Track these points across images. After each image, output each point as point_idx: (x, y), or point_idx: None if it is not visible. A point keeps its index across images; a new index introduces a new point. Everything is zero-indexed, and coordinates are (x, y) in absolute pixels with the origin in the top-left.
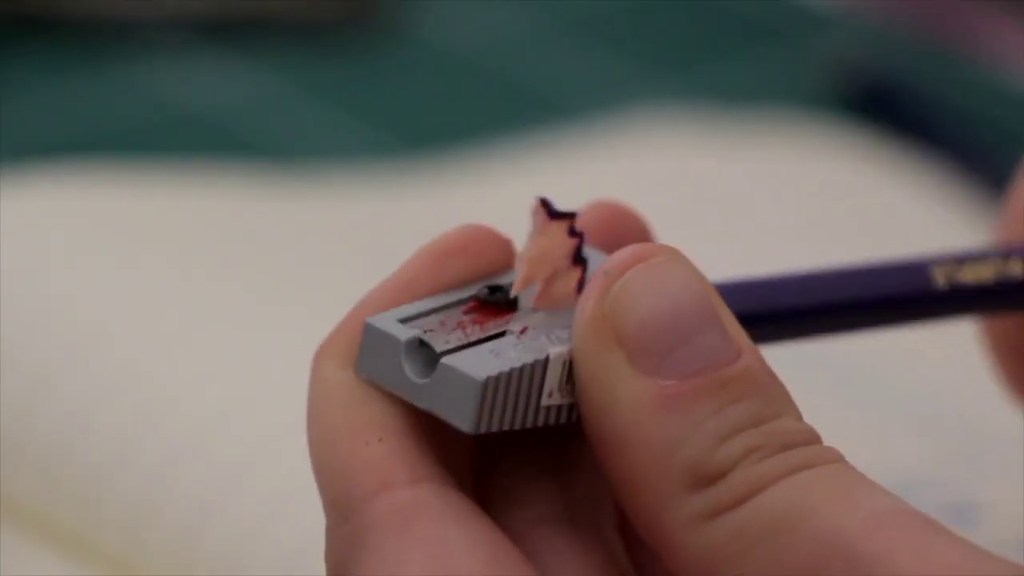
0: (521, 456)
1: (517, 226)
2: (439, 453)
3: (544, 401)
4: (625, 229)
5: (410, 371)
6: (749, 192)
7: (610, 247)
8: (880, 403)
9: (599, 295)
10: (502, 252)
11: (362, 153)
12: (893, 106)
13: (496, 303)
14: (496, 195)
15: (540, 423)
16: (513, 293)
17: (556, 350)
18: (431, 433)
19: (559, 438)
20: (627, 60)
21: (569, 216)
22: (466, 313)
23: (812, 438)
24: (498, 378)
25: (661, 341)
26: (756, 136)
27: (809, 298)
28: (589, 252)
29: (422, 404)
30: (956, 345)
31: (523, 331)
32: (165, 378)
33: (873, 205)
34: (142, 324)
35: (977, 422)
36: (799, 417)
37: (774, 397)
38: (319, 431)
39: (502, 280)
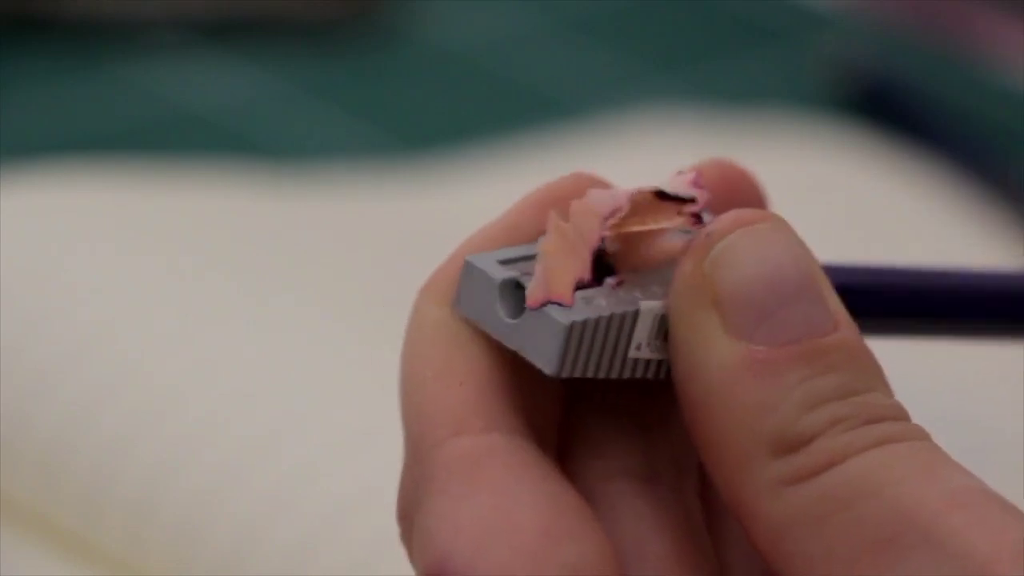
0: (608, 411)
1: None
2: (524, 404)
3: (631, 353)
4: (740, 188)
5: (502, 311)
6: None
7: (723, 205)
8: None
9: (700, 255)
10: None
11: (362, 153)
12: (893, 106)
13: (597, 256)
14: (496, 195)
15: (626, 375)
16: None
17: (648, 304)
18: (519, 383)
19: (648, 396)
20: (627, 60)
21: (689, 200)
22: None
23: (900, 414)
24: (584, 323)
25: (756, 306)
26: (756, 136)
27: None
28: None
29: (510, 344)
30: (957, 345)
31: (619, 283)
32: (165, 378)
33: (873, 205)
34: (142, 323)
35: (977, 422)
36: (890, 394)
37: (866, 371)
38: (408, 368)
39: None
